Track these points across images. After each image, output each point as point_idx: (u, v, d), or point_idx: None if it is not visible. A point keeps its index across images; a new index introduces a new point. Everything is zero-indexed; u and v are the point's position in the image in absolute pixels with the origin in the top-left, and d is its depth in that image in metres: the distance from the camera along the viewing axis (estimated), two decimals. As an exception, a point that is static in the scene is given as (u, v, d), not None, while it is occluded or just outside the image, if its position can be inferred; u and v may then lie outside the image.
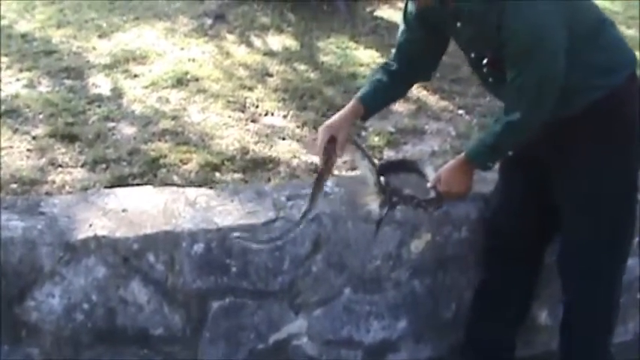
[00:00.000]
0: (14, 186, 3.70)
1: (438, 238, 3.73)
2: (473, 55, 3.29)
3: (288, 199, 3.55)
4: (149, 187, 3.65)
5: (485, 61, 3.21)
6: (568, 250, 3.45)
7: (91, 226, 3.33)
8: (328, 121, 3.46)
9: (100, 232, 3.32)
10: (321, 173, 3.49)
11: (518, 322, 3.89)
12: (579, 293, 3.48)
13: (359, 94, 3.48)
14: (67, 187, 4.17)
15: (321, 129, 3.42)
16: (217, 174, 3.82)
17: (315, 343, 3.73)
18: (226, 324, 3.55)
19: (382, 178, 3.48)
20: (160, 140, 4.21)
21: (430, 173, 3.58)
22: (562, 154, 3.27)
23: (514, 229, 3.54)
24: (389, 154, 4.10)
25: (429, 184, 3.49)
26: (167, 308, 3.45)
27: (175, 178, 4.23)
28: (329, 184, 3.64)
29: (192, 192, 3.59)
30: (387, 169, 3.73)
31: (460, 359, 3.91)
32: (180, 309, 3.48)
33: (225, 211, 3.45)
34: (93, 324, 3.44)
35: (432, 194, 3.48)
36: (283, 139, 4.46)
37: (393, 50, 3.54)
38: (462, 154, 3.37)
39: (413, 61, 3.46)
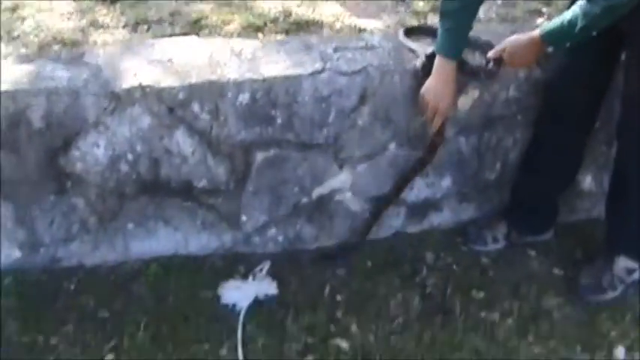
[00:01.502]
0: (56, 47, 3.64)
1: (486, 96, 3.65)
2: None
3: (335, 50, 3.47)
4: (194, 38, 3.58)
5: None
6: (629, 116, 3.37)
7: (135, 75, 3.28)
8: (444, 102, 3.39)
9: (145, 82, 3.27)
10: (425, 161, 3.58)
11: (564, 186, 3.85)
12: (633, 159, 3.41)
13: (452, 52, 3.35)
14: (108, 47, 4.11)
15: (440, 112, 3.40)
16: (260, 35, 3.73)
17: (358, 199, 3.72)
18: (270, 177, 3.53)
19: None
20: (201, 1, 4.11)
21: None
22: None
23: (574, 92, 3.46)
24: (434, 21, 3.97)
25: (490, 54, 3.39)
26: (211, 160, 3.42)
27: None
28: (376, 38, 3.55)
29: (238, 43, 3.52)
30: (411, 32, 3.66)
31: (503, 221, 3.85)
32: (225, 160, 3.45)
33: (271, 61, 3.39)
34: (137, 175, 3.43)
35: (490, 64, 3.38)
36: (327, 0, 4.34)
37: None
38: (536, 32, 3.25)
39: None
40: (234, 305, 3.39)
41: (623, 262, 3.60)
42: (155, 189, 3.48)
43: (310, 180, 3.58)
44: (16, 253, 3.54)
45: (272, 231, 3.69)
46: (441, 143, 3.56)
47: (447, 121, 3.48)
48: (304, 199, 3.63)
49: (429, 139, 3.56)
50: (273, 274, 3.59)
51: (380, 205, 3.73)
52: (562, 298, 3.61)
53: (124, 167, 3.40)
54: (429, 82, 3.32)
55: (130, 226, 3.54)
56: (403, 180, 3.67)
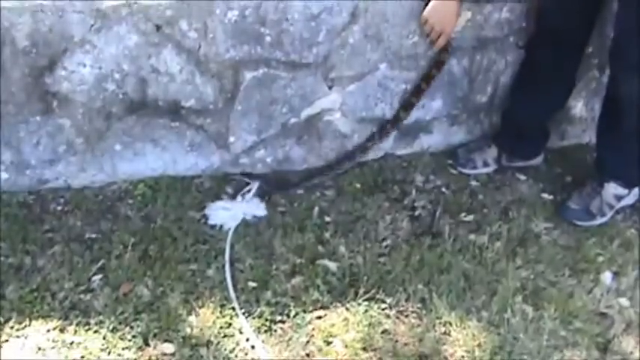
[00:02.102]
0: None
1: (478, 17, 3.60)
2: None
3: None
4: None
5: None
6: (622, 42, 3.36)
7: (121, -8, 3.18)
8: (450, 25, 3.47)
9: (132, -1, 3.15)
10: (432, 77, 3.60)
11: (554, 111, 3.84)
12: (626, 85, 3.38)
13: None
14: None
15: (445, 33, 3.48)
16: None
17: (348, 120, 3.69)
18: (259, 96, 3.48)
19: None
20: None
21: None
22: None
23: (566, 15, 3.43)
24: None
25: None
26: (199, 79, 3.38)
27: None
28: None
29: (226, -42, 3.43)
30: None
31: (493, 145, 3.83)
32: (213, 80, 3.40)
33: (260, -23, 3.30)
34: (124, 94, 3.38)
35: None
36: None
37: None
38: None
39: None
40: (221, 226, 3.37)
41: (612, 189, 3.60)
42: (142, 109, 3.43)
43: (299, 100, 3.54)
44: (3, 175, 3.49)
45: (261, 152, 3.66)
46: (448, 59, 3.60)
47: (451, 39, 3.50)
48: (293, 120, 3.59)
49: (435, 57, 3.60)
50: (261, 195, 3.53)
51: (386, 124, 3.75)
52: (550, 223, 3.62)
53: (110, 86, 3.34)
54: (433, 6, 3.30)
55: (118, 146, 3.50)
56: (409, 100, 3.68)
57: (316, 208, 3.50)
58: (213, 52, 3.31)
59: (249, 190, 3.53)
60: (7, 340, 2.89)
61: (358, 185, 3.66)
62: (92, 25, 3.20)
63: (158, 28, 3.23)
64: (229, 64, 3.37)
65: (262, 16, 3.28)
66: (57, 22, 3.17)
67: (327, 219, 3.46)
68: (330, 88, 3.55)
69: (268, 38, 3.33)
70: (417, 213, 3.51)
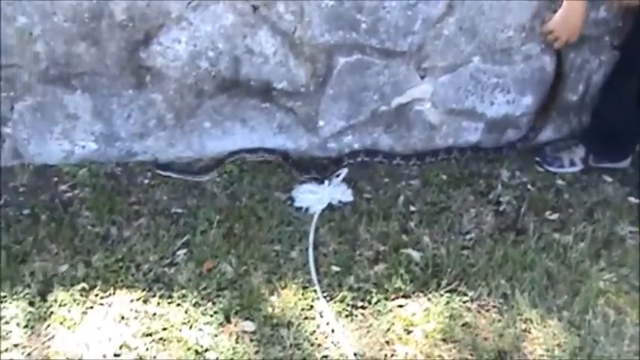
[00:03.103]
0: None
1: (574, 14, 3.54)
2: None
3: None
4: None
5: None
6: None
7: (220, -30, 3.21)
8: (574, 36, 3.52)
9: (230, -22, 3.18)
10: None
11: None
12: None
13: None
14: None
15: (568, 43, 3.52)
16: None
17: (438, 111, 3.68)
18: (350, 82, 3.48)
19: None
20: None
21: None
22: None
23: None
24: None
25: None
26: (293, 61, 3.39)
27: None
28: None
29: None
30: None
31: (581, 144, 3.79)
32: (306, 63, 3.42)
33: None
34: (217, 73, 3.41)
35: None
36: None
37: None
38: None
39: None
40: (307, 209, 3.38)
41: None
42: (234, 88, 3.45)
43: (391, 88, 3.53)
44: (92, 146, 3.54)
45: (348, 138, 3.67)
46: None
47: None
48: (383, 108, 3.59)
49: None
50: (348, 181, 3.53)
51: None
52: (636, 227, 3.56)
53: (204, 64, 3.37)
54: (561, 17, 3.35)
55: (207, 124, 3.53)
56: (551, 96, 3.72)
57: (401, 197, 3.50)
58: (308, 35, 3.32)
59: (337, 175, 3.50)
60: (91, 307, 2.95)
61: (444, 177, 3.66)
62: (189, 3, 3.24)
63: (255, 8, 3.25)
64: (323, 49, 3.38)
65: (359, 3, 3.28)
66: (155, -3, 3.15)
67: (412, 208, 3.45)
68: (422, 77, 3.54)
69: (364, 25, 3.33)
70: (501, 208, 3.48)
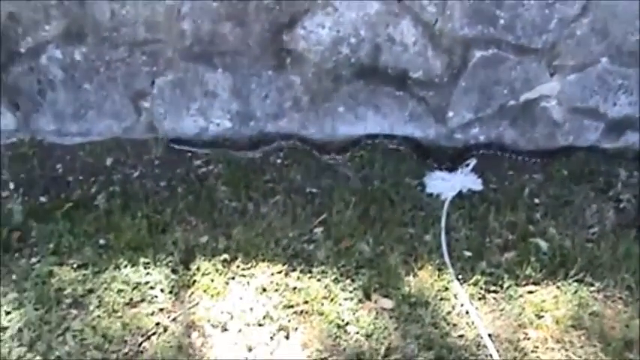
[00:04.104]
0: None
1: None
2: None
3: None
4: None
5: None
6: None
7: (369, -38, 3.32)
8: None
9: (378, -32, 3.29)
10: None
11: None
12: None
13: None
14: None
15: None
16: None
17: (562, 108, 3.76)
18: (483, 76, 3.59)
19: None
20: None
21: None
22: None
23: None
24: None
25: None
26: (431, 52, 3.51)
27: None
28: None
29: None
30: None
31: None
32: (443, 55, 3.53)
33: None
34: (357, 59, 3.53)
35: None
36: None
37: None
38: None
39: None
40: (438, 195, 3.49)
41: None
42: (371, 75, 3.58)
43: (521, 84, 3.63)
44: (226, 124, 3.67)
45: (475, 130, 3.78)
46: None
47: None
48: (511, 102, 3.69)
49: None
50: (476, 170, 3.64)
51: None
52: None
53: (344, 50, 3.49)
54: None
55: (341, 108, 3.67)
56: None
57: (527, 190, 3.60)
58: (448, 27, 3.43)
59: (467, 165, 3.62)
60: (233, 278, 3.10)
61: (565, 172, 3.75)
62: (336, -11, 3.30)
63: (400, -2, 3.32)
64: (461, 41, 3.49)
65: (500, -2, 3.33)
66: (304, -18, 3.28)
67: (537, 200, 3.57)
68: (551, 75, 3.63)
69: (502, 21, 3.43)
70: (621, 205, 3.57)
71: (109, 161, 3.72)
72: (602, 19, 3.49)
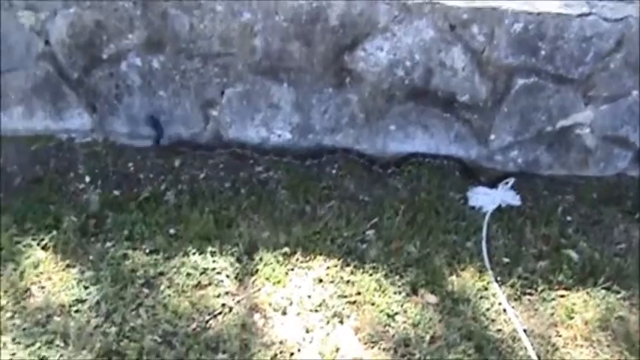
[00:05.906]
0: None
1: None
2: None
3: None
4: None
5: None
6: None
7: (430, -9, 3.65)
8: None
9: (435, -1, 3.62)
10: None
11: None
12: None
13: None
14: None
15: None
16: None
17: (595, 136, 4.05)
18: (524, 102, 3.89)
19: None
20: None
21: None
22: None
23: None
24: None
25: None
26: (477, 78, 3.82)
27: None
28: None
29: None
30: None
31: None
32: (489, 81, 3.83)
33: (547, -2, 3.73)
34: (410, 81, 3.85)
35: None
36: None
37: None
38: None
39: None
40: (480, 208, 3.80)
41: None
42: (422, 97, 3.88)
43: (558, 111, 3.93)
44: (287, 135, 4.01)
45: (514, 152, 4.07)
46: None
47: None
48: (549, 128, 3.98)
49: None
50: (515, 188, 3.98)
51: None
52: None
53: (399, 72, 3.81)
54: None
55: (392, 127, 3.99)
56: None
57: (560, 208, 3.90)
58: (494, 56, 3.75)
59: (506, 182, 3.96)
60: (292, 269, 3.41)
61: (595, 195, 4.05)
62: (396, 16, 3.69)
63: (452, 27, 3.69)
64: (505, 69, 3.80)
65: (542, 32, 3.70)
66: (367, 8, 3.67)
67: (569, 218, 3.86)
68: (585, 104, 3.92)
69: (543, 52, 3.74)
70: (647, 227, 3.86)
71: (177, 162, 4.01)
72: (634, 54, 3.80)
